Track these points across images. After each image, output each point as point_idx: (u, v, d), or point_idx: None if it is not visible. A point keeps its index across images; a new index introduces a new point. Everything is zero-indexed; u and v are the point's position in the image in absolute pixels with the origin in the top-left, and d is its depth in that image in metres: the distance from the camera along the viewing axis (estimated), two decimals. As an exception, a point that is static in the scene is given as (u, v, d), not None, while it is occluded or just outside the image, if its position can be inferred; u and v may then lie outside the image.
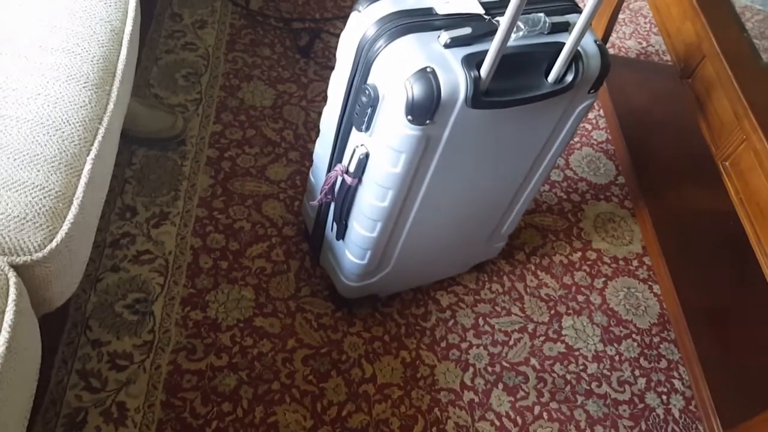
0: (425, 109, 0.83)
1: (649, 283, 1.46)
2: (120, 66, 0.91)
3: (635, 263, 1.49)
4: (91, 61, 0.87)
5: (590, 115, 1.78)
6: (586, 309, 1.39)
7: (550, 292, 1.40)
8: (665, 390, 1.30)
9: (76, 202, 0.78)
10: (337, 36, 0.97)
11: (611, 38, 2.01)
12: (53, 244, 0.74)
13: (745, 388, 1.26)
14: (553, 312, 1.36)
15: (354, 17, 0.91)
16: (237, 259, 1.28)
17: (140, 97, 1.47)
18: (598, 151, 1.70)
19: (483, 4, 0.91)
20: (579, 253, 1.48)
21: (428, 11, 0.88)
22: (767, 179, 1.04)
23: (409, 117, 0.84)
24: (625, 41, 2.04)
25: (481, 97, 0.85)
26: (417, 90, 0.82)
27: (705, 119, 1.24)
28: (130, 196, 1.32)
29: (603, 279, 1.44)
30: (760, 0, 1.47)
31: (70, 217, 0.77)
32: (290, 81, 1.62)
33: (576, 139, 1.71)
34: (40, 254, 0.73)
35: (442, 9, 0.89)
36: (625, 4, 2.17)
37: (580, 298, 1.40)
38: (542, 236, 1.49)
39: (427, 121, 0.85)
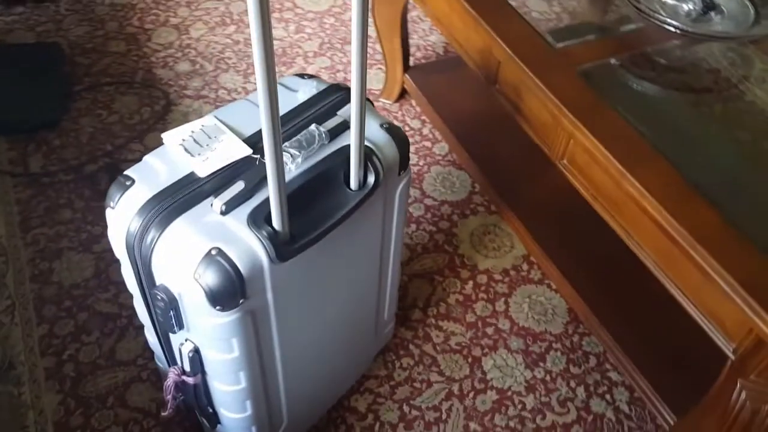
0: (230, 294, 0.71)
1: (546, 282, 1.41)
2: None
3: (525, 267, 1.44)
4: None
5: (425, 131, 1.71)
6: (499, 340, 1.32)
7: (460, 339, 1.31)
8: (606, 388, 1.25)
9: None
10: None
11: (413, 40, 1.95)
12: None
13: (666, 354, 1.22)
14: (470, 360, 1.28)
15: (110, 214, 0.77)
16: (122, 476, 1.11)
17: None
18: (446, 165, 1.63)
19: (247, 140, 0.79)
20: (470, 283, 1.41)
21: (189, 179, 0.75)
22: (606, 173, 1.00)
23: (218, 307, 0.72)
24: (427, 38, 1.99)
25: (286, 248, 0.74)
26: (210, 280, 0.69)
27: (526, 122, 1.18)
28: (-28, 462, 1.11)
29: (503, 299, 1.38)
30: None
31: None
32: (104, 236, 1.43)
33: (421, 163, 1.63)
34: None
35: (203, 169, 0.76)
36: (411, 4, 2.12)
37: (489, 330, 1.33)
38: (429, 282, 1.41)
39: (241, 301, 0.73)
